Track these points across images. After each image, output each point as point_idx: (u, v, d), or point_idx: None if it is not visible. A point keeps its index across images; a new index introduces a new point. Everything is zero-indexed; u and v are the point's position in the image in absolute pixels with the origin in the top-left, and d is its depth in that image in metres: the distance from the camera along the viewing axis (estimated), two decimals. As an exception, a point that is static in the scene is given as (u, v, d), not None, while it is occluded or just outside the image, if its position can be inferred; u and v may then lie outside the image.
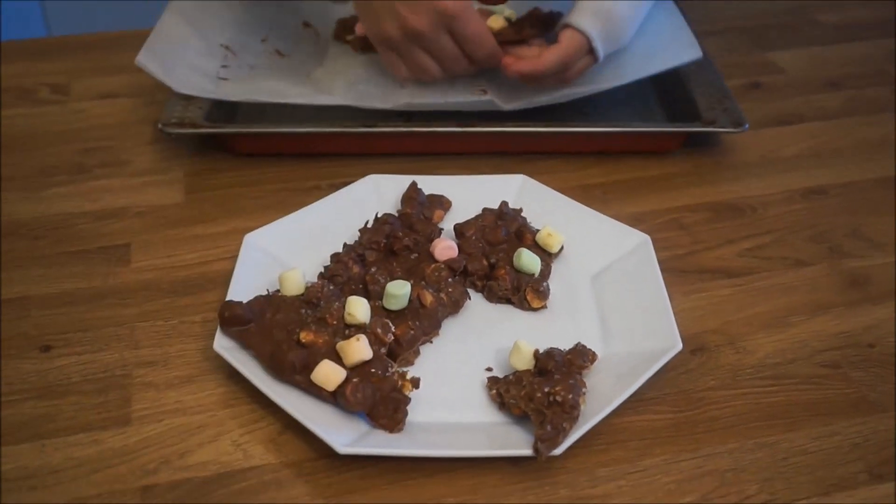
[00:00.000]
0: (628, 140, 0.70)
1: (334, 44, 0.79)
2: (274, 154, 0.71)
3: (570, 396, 0.46)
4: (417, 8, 0.63)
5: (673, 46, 0.72)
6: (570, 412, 0.46)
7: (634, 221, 0.62)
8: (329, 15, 0.83)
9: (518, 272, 0.56)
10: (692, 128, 0.70)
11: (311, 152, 0.70)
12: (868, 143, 0.74)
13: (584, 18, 0.66)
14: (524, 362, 0.50)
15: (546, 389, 0.47)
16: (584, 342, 0.51)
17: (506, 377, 0.50)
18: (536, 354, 0.50)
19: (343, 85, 0.71)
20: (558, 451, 0.45)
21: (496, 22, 0.70)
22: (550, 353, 0.50)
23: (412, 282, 0.55)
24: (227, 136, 0.70)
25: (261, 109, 0.72)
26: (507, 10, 0.72)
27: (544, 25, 0.71)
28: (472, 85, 0.70)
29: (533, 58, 0.67)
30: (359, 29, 0.76)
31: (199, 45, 0.74)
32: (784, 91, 0.81)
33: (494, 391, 0.50)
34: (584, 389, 0.48)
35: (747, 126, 0.68)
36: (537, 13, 0.72)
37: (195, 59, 0.72)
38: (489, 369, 0.52)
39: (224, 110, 0.72)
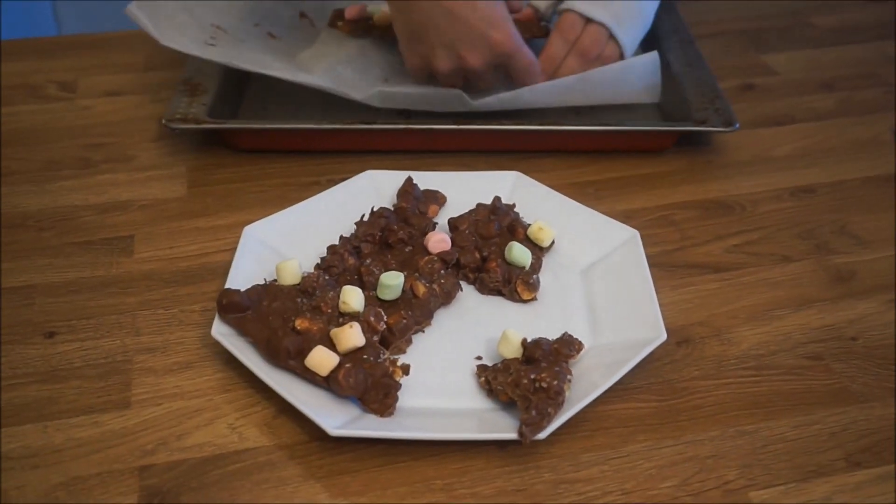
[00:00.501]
0: (621, 139, 0.72)
1: (327, 30, 0.81)
2: (274, 150, 0.72)
3: (556, 383, 0.48)
4: (476, 48, 0.67)
5: (638, 87, 0.73)
6: (555, 398, 0.47)
7: (626, 218, 0.64)
8: (326, 8, 0.84)
9: (509, 265, 0.58)
10: (683, 127, 0.71)
11: (311, 149, 0.72)
12: (858, 143, 0.75)
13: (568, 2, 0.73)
14: (512, 351, 0.52)
15: (532, 376, 0.48)
16: (572, 333, 0.53)
17: (494, 365, 0.52)
18: (524, 343, 0.52)
19: (324, 66, 0.73)
20: (542, 435, 0.46)
21: None
22: (538, 342, 0.51)
23: (406, 273, 0.56)
24: (228, 131, 0.71)
25: (263, 106, 0.74)
26: None
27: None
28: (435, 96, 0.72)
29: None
30: (348, 13, 0.77)
31: (190, 21, 0.74)
32: (777, 92, 0.83)
33: (483, 378, 0.51)
34: (569, 377, 0.49)
35: (738, 125, 0.69)
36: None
37: (185, 27, 0.73)
38: (479, 358, 0.54)
39: (227, 107, 0.74)
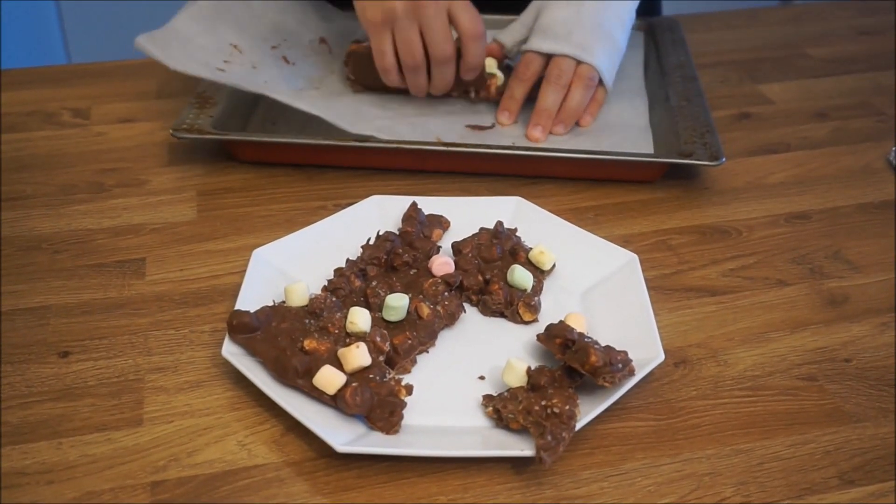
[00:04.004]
0: (609, 168, 0.73)
1: (340, 70, 0.83)
2: (276, 164, 0.75)
3: (567, 408, 0.49)
4: None
5: (632, 138, 0.76)
6: (568, 422, 0.49)
7: (624, 242, 0.66)
8: (348, 36, 0.87)
9: (511, 287, 0.60)
10: (668, 159, 0.72)
11: (309, 163, 0.75)
12: (851, 170, 0.77)
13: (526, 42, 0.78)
14: (517, 379, 0.53)
15: (543, 403, 0.50)
16: (572, 354, 0.54)
17: (500, 394, 0.53)
18: (529, 371, 0.53)
19: (324, 104, 0.75)
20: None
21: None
22: (541, 370, 0.53)
23: (411, 295, 0.58)
24: (231, 143, 0.74)
25: (273, 122, 0.78)
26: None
27: None
28: (428, 131, 0.75)
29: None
30: (349, 72, 0.80)
31: (206, 41, 0.77)
32: (772, 121, 0.85)
33: (491, 408, 0.52)
34: (578, 401, 0.51)
35: (724, 160, 0.70)
36: None
37: (198, 52, 0.76)
38: (481, 378, 0.55)
39: (235, 121, 0.77)
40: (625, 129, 0.77)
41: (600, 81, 0.77)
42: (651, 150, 0.74)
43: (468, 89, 0.78)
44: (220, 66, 0.76)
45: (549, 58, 0.76)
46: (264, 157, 0.75)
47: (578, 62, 0.75)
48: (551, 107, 0.76)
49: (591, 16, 0.76)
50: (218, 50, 0.77)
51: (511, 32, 0.81)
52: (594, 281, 0.61)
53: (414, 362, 0.56)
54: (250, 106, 0.81)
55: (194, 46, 0.76)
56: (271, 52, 0.81)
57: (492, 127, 0.78)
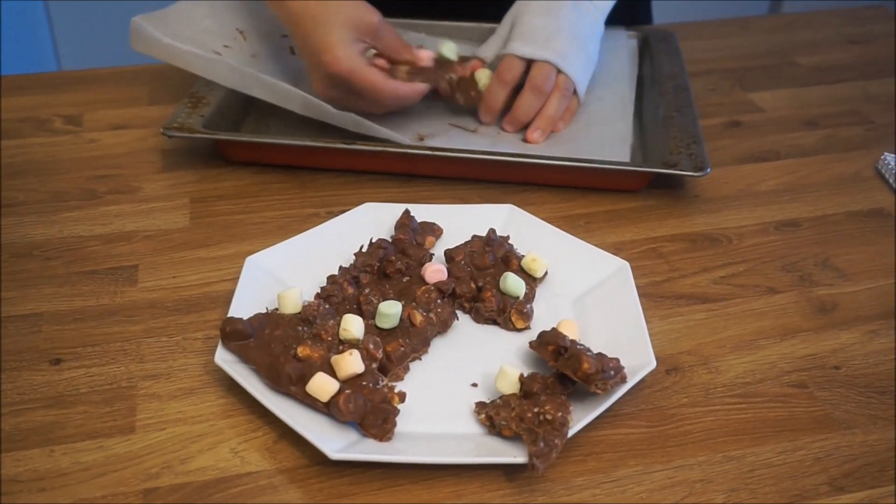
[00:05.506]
0: (593, 176, 0.74)
1: None
2: (266, 167, 0.76)
3: (560, 414, 0.49)
4: (315, 71, 0.72)
5: (610, 145, 0.76)
6: (560, 429, 0.49)
7: (615, 250, 0.66)
8: None
9: (504, 295, 0.60)
10: (651, 169, 0.73)
11: (299, 165, 0.75)
12: (841, 178, 0.77)
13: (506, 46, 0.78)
14: (510, 386, 0.53)
15: (535, 410, 0.50)
16: (564, 361, 0.54)
17: (493, 401, 0.53)
18: (521, 378, 0.53)
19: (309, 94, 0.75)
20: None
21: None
22: (534, 377, 0.53)
23: (403, 302, 0.58)
24: (222, 143, 0.75)
25: (266, 123, 0.78)
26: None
27: None
28: (409, 127, 0.76)
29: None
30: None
31: (210, 23, 0.77)
32: (763, 129, 0.85)
33: (483, 415, 0.52)
34: (570, 407, 0.51)
35: (709, 170, 0.70)
36: None
37: (199, 34, 0.76)
38: (474, 385, 0.55)
39: (227, 121, 0.78)
40: (602, 137, 0.77)
41: (574, 91, 0.78)
42: (627, 159, 0.74)
43: (454, 95, 0.79)
44: (217, 50, 0.75)
45: (528, 62, 0.77)
46: (254, 158, 0.75)
47: (558, 71, 0.76)
48: (529, 112, 0.77)
49: (569, 24, 0.77)
50: (220, 34, 0.77)
51: (490, 46, 0.82)
52: (586, 288, 0.62)
53: (407, 369, 0.56)
54: (244, 106, 0.81)
55: (197, 28, 0.76)
56: (279, 41, 0.81)
57: (474, 131, 0.78)
